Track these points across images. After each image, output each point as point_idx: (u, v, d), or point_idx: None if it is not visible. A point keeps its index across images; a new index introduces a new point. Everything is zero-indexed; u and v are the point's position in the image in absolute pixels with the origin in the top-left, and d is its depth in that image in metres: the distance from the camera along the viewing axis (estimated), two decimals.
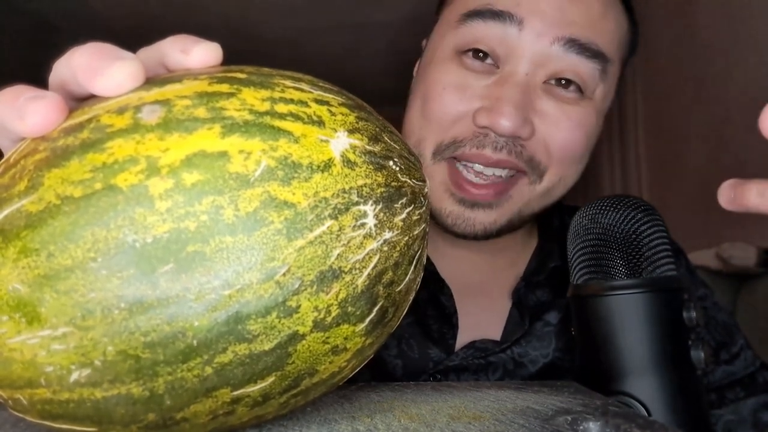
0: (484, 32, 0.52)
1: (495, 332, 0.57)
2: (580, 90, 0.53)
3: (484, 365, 0.54)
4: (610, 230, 0.41)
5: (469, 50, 0.53)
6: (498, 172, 0.53)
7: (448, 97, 0.53)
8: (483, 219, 0.53)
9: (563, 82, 0.52)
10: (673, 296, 0.39)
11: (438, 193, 0.54)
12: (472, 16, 0.53)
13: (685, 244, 0.66)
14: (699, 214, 1.76)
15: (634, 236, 0.41)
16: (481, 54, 0.53)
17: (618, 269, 0.40)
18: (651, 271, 0.40)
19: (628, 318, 0.39)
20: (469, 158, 0.52)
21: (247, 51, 2.46)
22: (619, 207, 0.42)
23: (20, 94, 0.23)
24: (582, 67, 0.52)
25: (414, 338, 0.56)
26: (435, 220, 0.55)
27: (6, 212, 0.20)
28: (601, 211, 0.42)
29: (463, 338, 0.57)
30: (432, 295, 0.58)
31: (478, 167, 0.52)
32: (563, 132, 0.52)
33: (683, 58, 1.87)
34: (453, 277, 0.59)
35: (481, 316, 0.58)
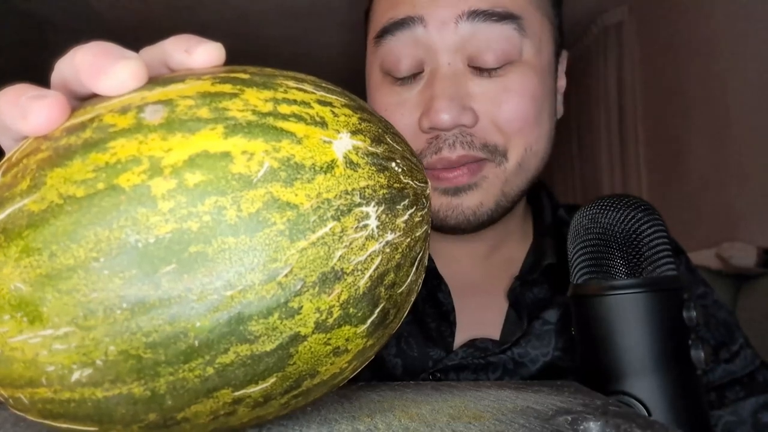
0: (397, 45, 0.54)
1: (494, 331, 0.57)
2: (505, 60, 0.53)
3: (483, 365, 0.54)
4: (610, 230, 0.41)
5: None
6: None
7: (393, 118, 0.55)
8: (469, 203, 0.54)
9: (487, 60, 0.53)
10: (673, 296, 0.39)
11: None
12: (382, 35, 0.55)
13: (685, 244, 0.66)
14: (699, 214, 1.76)
15: (634, 236, 0.41)
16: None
17: (618, 269, 0.40)
18: (651, 270, 0.40)
19: (629, 318, 0.39)
20: (433, 166, 0.53)
21: (247, 51, 2.46)
22: (619, 206, 0.42)
23: (22, 93, 0.23)
24: (496, 34, 0.52)
25: (413, 337, 0.56)
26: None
27: (8, 211, 0.20)
28: (601, 211, 0.42)
29: (462, 337, 0.57)
30: (430, 293, 0.58)
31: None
32: (505, 105, 0.53)
33: (683, 58, 1.87)
34: (451, 276, 0.59)
35: (480, 315, 0.58)
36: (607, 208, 0.42)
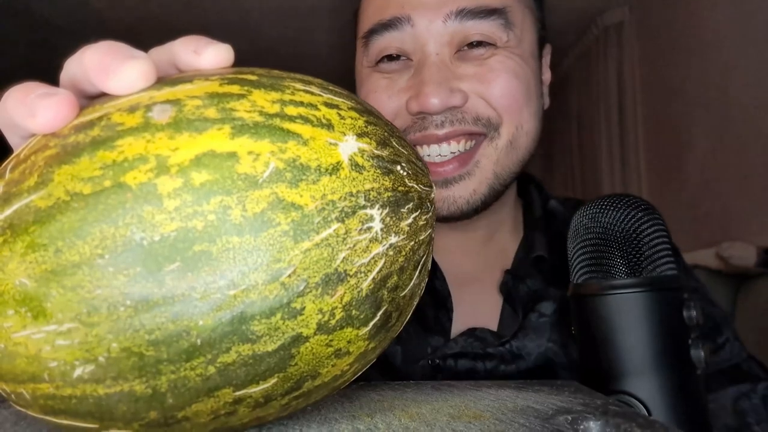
0: (385, 43, 0.56)
1: (490, 321, 0.58)
2: (491, 44, 0.55)
3: (481, 354, 0.54)
4: (611, 229, 0.41)
5: (381, 59, 0.57)
6: (454, 148, 0.55)
7: (379, 99, 0.57)
8: (461, 192, 0.55)
9: (474, 44, 0.55)
10: (673, 295, 0.39)
11: None
12: (370, 35, 0.57)
13: (685, 244, 0.67)
14: (699, 214, 1.76)
15: (634, 235, 0.41)
16: (394, 56, 0.57)
17: (618, 268, 0.40)
18: (651, 270, 0.40)
19: (629, 317, 0.39)
20: (418, 142, 0.55)
21: (248, 50, 2.45)
22: (619, 206, 0.42)
23: (31, 90, 0.23)
24: (483, 29, 0.54)
25: (411, 325, 0.57)
26: None
27: (15, 207, 0.20)
28: (602, 210, 0.43)
29: (458, 326, 0.58)
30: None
31: (434, 149, 0.55)
32: (493, 83, 0.55)
33: (683, 58, 1.87)
34: (446, 266, 0.60)
35: (476, 305, 0.59)
36: (608, 207, 0.42)
